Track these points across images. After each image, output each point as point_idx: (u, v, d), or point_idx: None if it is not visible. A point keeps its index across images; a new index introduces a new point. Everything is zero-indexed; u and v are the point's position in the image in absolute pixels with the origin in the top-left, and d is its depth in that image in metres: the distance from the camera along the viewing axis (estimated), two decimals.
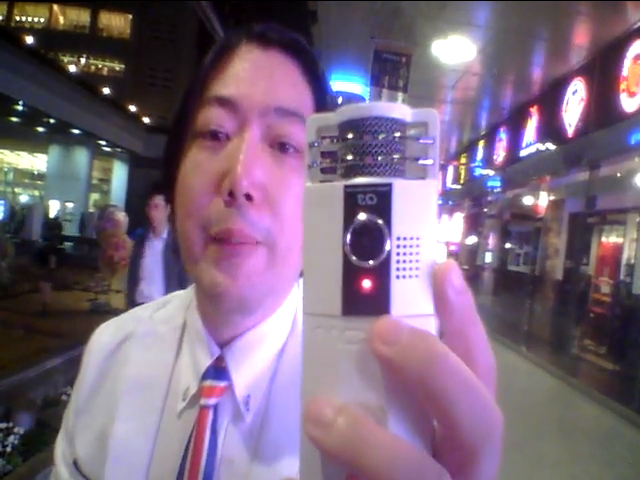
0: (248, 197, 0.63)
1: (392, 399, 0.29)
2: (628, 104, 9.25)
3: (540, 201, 13.17)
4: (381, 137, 0.30)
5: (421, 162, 0.31)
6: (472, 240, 19.25)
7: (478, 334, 0.30)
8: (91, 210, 27.37)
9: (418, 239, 0.29)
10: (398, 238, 0.29)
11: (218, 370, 0.72)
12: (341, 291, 0.29)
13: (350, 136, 0.31)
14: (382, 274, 0.29)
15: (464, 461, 0.29)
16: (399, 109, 0.31)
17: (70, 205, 27.00)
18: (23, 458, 3.65)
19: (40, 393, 4.68)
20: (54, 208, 26.51)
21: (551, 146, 11.99)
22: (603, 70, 10.20)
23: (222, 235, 0.64)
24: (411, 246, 0.29)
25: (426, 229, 0.30)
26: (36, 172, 32.84)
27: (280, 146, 0.68)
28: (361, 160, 0.30)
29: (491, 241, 17.98)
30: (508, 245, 16.57)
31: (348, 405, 0.28)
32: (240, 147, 0.64)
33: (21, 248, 16.59)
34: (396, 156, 0.31)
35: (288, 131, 0.68)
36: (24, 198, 31.91)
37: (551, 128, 12.17)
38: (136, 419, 0.74)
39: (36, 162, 32.32)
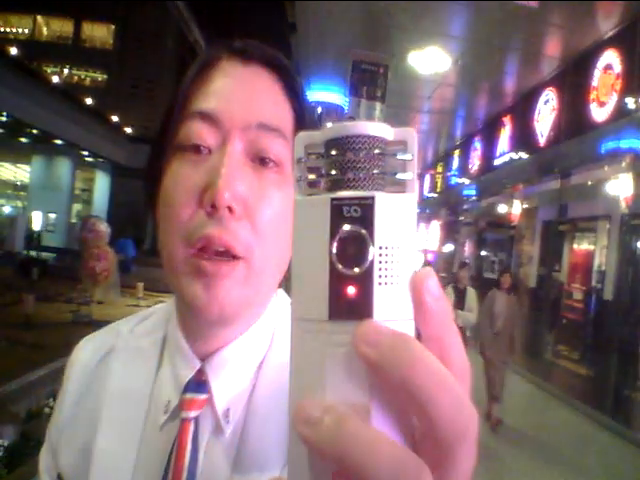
0: (230, 209, 0.64)
1: (375, 398, 0.30)
2: (598, 114, 9.38)
3: (514, 209, 13.19)
4: (362, 154, 0.32)
5: (400, 177, 0.33)
6: (449, 248, 19.24)
7: (453, 338, 0.32)
8: (74, 221, 27.21)
9: (399, 248, 0.31)
10: (380, 247, 0.31)
11: (199, 383, 0.72)
12: (328, 297, 0.31)
13: (334, 153, 0.33)
14: (366, 281, 0.31)
15: (442, 456, 0.30)
16: (380, 128, 0.33)
17: (53, 216, 26.85)
18: (7, 470, 3.60)
19: (23, 405, 4.64)
20: (37, 219, 26.33)
21: (524, 155, 12.13)
22: (574, 80, 10.34)
23: (202, 243, 0.65)
24: (392, 255, 0.31)
25: (406, 239, 0.32)
26: (19, 183, 32.56)
27: (261, 160, 0.69)
28: (344, 175, 0.32)
29: (467, 249, 17.96)
30: (483, 253, 16.56)
31: (334, 404, 0.30)
32: (222, 161, 0.65)
33: (3, 259, 16.50)
34: (376, 171, 0.32)
35: (269, 146, 0.69)
36: (7, 209, 31.61)
37: (524, 137, 12.30)
38: (119, 432, 0.74)
39: (19, 173, 32.08)
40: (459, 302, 7.15)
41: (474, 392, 0.32)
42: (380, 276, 0.31)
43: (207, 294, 0.65)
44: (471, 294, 7.26)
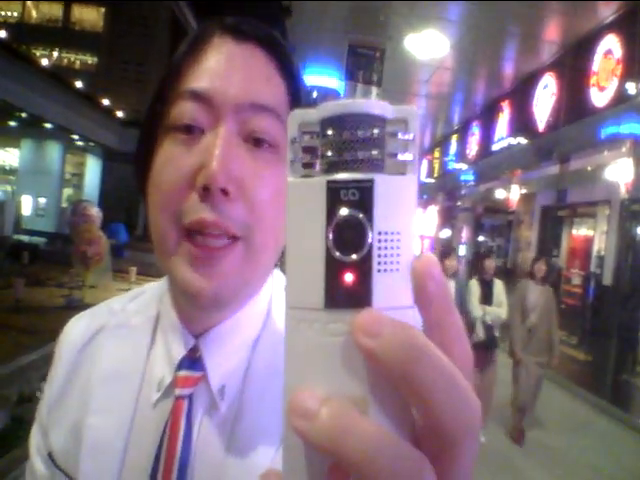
0: (224, 192, 0.62)
1: (374, 390, 0.29)
2: (598, 99, 9.43)
3: (512, 194, 13.19)
4: (360, 133, 0.30)
5: (401, 158, 0.31)
6: (446, 233, 19.39)
7: (456, 325, 0.31)
8: (64, 205, 27.03)
9: (399, 233, 0.30)
10: (379, 233, 0.30)
11: (193, 360, 0.72)
12: (324, 285, 0.30)
13: (330, 132, 0.31)
14: (364, 268, 0.29)
15: (444, 449, 0.29)
16: (379, 106, 0.31)
17: (43, 200, 26.67)
18: None
19: (14, 389, 4.61)
20: (27, 203, 26.15)
21: (522, 140, 12.13)
22: (574, 65, 10.38)
23: (195, 226, 0.63)
24: (392, 240, 0.30)
25: (406, 224, 0.30)
26: (8, 167, 32.31)
27: (255, 141, 0.68)
28: (341, 156, 0.31)
29: (464, 234, 18.06)
30: (481, 238, 16.71)
31: (331, 396, 0.29)
32: (215, 142, 0.64)
33: None
34: (375, 152, 0.31)
35: (263, 126, 0.68)
36: None
37: (522, 122, 12.34)
38: (110, 411, 0.73)
39: (8, 157, 31.87)
40: (486, 296, 6.35)
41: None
42: (379, 263, 0.30)
43: (201, 281, 0.64)
44: (499, 286, 6.46)
